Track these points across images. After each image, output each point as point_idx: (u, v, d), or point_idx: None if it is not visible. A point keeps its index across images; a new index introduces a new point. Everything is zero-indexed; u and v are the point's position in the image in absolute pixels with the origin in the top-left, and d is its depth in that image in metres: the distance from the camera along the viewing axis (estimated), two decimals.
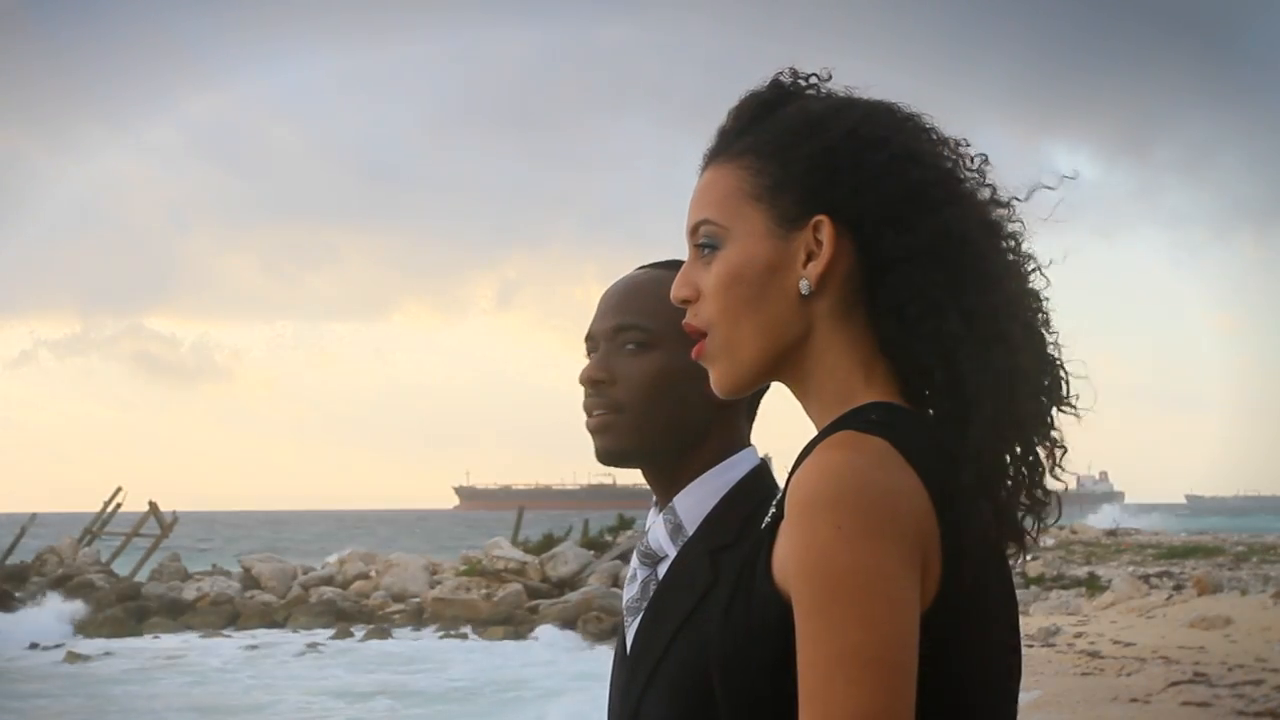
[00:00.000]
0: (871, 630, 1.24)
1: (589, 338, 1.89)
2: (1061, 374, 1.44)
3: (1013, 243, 1.45)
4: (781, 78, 1.49)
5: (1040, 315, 1.44)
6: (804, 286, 1.41)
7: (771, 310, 1.42)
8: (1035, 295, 1.44)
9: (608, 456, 1.85)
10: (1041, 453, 1.42)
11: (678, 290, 1.47)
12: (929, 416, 1.39)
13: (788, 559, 1.31)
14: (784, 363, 1.44)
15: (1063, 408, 1.43)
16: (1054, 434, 1.43)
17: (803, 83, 1.49)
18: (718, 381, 1.46)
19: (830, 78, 1.49)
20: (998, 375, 1.36)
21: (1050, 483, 1.43)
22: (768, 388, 1.81)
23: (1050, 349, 1.43)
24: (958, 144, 1.46)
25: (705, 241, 1.45)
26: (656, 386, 1.81)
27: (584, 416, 1.87)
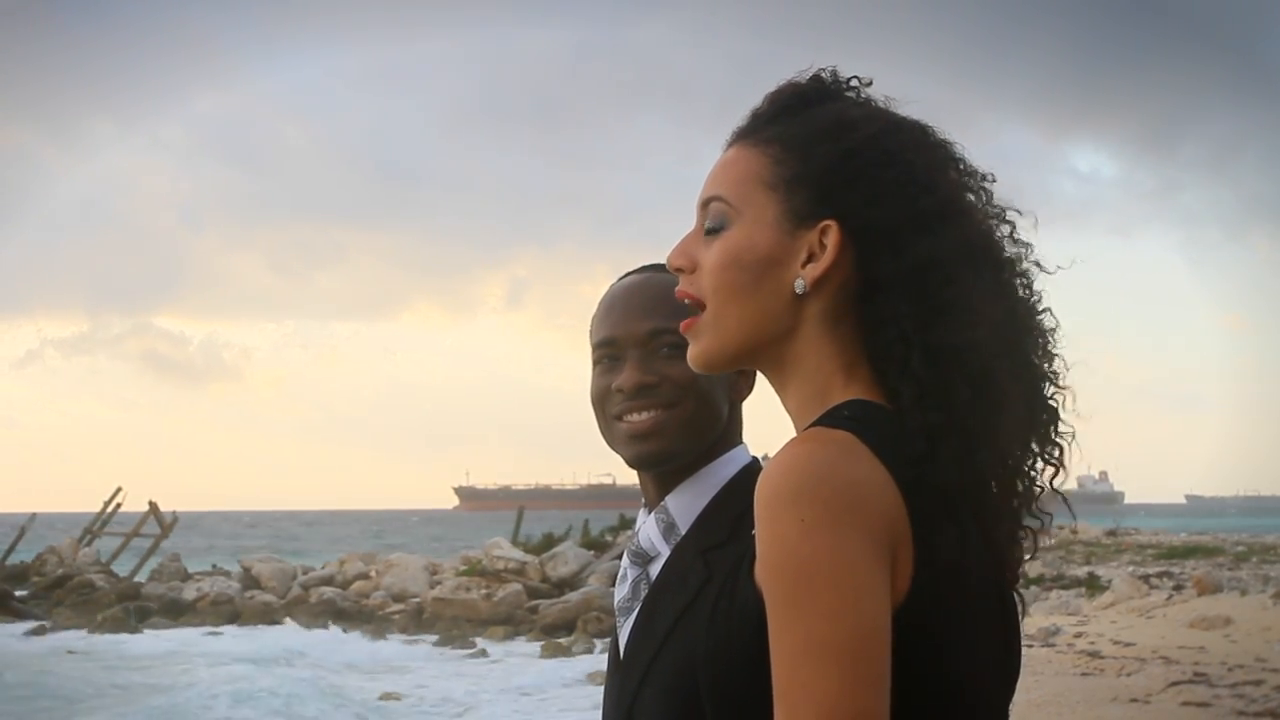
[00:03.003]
0: (837, 621, 1.24)
1: (609, 342, 1.87)
2: (1053, 409, 1.45)
3: (1022, 280, 1.45)
4: (823, 74, 1.49)
5: (1041, 351, 1.44)
6: (799, 286, 1.41)
7: (762, 301, 1.43)
8: (1040, 330, 1.45)
9: (653, 459, 1.83)
10: (1026, 479, 1.43)
11: (674, 258, 1.49)
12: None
13: (757, 554, 1.31)
14: (766, 353, 1.45)
15: (1049, 446, 1.45)
16: (1038, 464, 1.44)
17: (843, 84, 1.49)
18: (696, 355, 1.47)
19: (871, 83, 1.49)
20: (967, 405, 1.35)
21: (1043, 498, 1.45)
22: (754, 378, 1.84)
23: (1045, 385, 1.44)
24: (984, 176, 1.46)
25: (714, 222, 1.46)
26: (697, 387, 1.82)
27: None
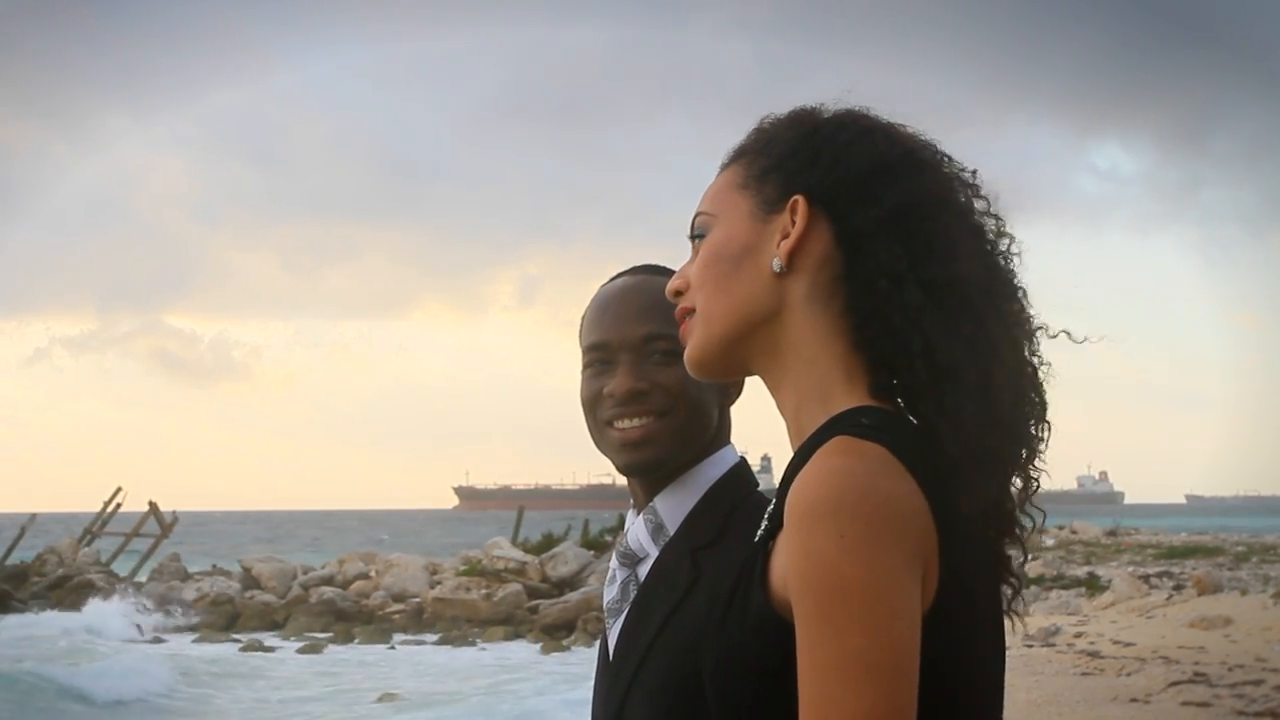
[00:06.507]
0: (874, 637, 1.23)
1: (601, 346, 1.85)
2: (1034, 371, 1.43)
3: (991, 221, 1.44)
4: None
5: (1016, 304, 1.42)
6: (775, 264, 1.43)
7: (744, 286, 1.45)
8: (1009, 280, 1.43)
9: (644, 466, 1.82)
10: (1025, 439, 1.41)
11: (672, 283, 1.52)
12: (916, 423, 1.37)
13: (788, 567, 1.30)
14: (755, 343, 1.45)
15: (1035, 406, 1.42)
16: (1032, 427, 1.41)
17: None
18: (689, 355, 1.49)
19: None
20: (969, 343, 1.36)
21: (1037, 468, 1.42)
22: (741, 386, 1.84)
23: (1022, 341, 1.42)
24: (955, 162, 1.46)
25: (698, 232, 1.51)
26: (689, 394, 1.81)
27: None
